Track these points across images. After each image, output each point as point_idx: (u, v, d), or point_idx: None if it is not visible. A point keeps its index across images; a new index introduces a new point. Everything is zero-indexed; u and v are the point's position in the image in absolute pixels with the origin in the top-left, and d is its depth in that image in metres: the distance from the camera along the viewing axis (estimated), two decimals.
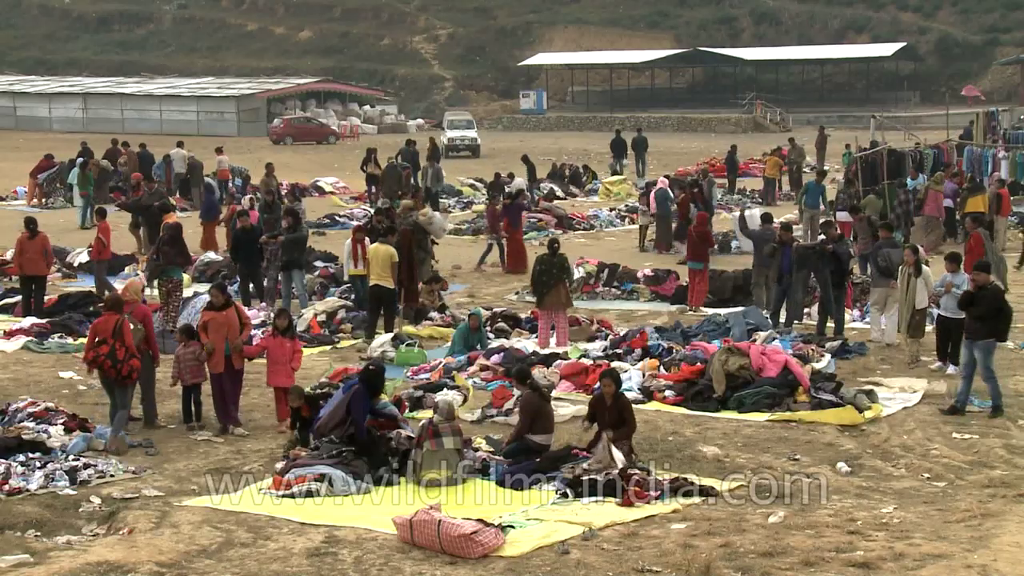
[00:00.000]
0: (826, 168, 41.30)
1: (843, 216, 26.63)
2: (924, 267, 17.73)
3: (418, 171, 39.59)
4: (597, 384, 14.43)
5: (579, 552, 10.94)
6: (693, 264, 22.47)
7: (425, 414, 14.68)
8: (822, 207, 30.08)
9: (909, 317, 17.83)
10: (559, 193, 40.92)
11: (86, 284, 24.37)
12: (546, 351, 18.24)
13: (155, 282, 21.18)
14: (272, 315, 20.55)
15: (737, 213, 31.80)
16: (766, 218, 22.14)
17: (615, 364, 16.58)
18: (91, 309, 21.52)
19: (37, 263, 21.74)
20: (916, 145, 35.12)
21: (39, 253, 21.75)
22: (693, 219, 28.41)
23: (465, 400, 15.84)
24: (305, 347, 19.42)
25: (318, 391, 15.74)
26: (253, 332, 19.23)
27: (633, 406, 14.09)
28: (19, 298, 22.25)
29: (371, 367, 14.24)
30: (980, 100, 73.34)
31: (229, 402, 15.02)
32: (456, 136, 61.13)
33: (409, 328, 20.20)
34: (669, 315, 21.66)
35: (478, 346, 18.50)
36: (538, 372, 16.12)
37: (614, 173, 46.01)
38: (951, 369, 16.99)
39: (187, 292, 21.79)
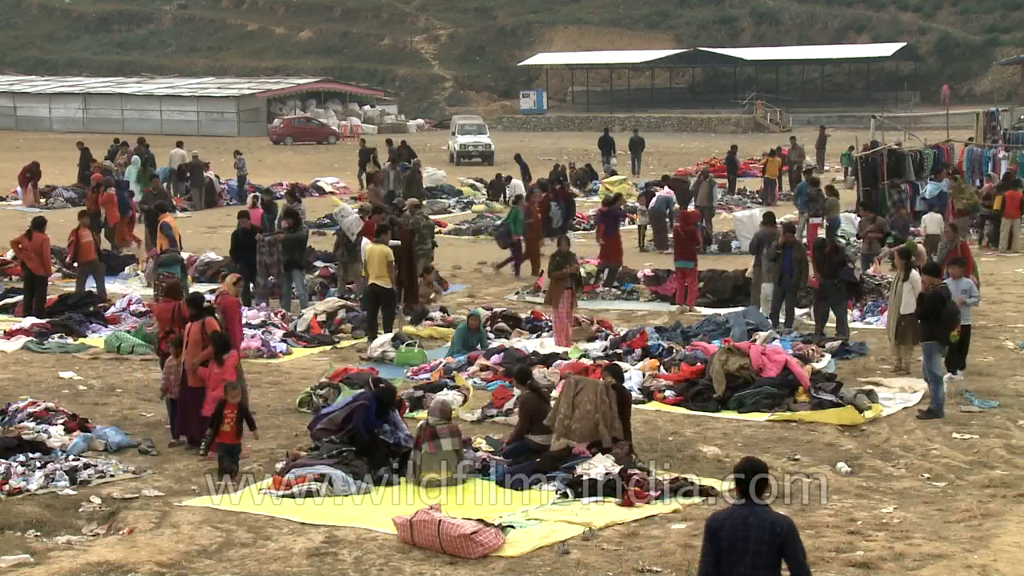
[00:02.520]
0: (826, 169, 41.32)
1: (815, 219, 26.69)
2: (913, 271, 17.52)
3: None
4: None
5: (579, 552, 10.95)
6: (683, 263, 22.38)
7: (425, 414, 14.67)
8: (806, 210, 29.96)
9: (896, 322, 17.37)
10: None
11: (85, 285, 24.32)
12: (546, 351, 18.25)
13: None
14: (270, 316, 20.66)
15: (738, 214, 31.83)
16: (768, 218, 22.05)
17: None
18: (91, 309, 21.55)
19: (34, 263, 21.71)
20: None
21: (36, 253, 21.73)
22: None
23: (465, 400, 15.85)
24: (305, 347, 19.50)
25: (318, 391, 15.78)
26: (252, 332, 19.32)
27: (633, 406, 14.08)
28: (19, 298, 22.25)
29: (384, 386, 13.95)
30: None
31: (183, 417, 14.37)
32: (468, 142, 55.94)
33: (409, 328, 20.19)
34: (669, 315, 21.64)
35: (478, 346, 18.50)
36: (538, 372, 16.12)
37: (612, 174, 46.01)
38: (960, 375, 16.93)
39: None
